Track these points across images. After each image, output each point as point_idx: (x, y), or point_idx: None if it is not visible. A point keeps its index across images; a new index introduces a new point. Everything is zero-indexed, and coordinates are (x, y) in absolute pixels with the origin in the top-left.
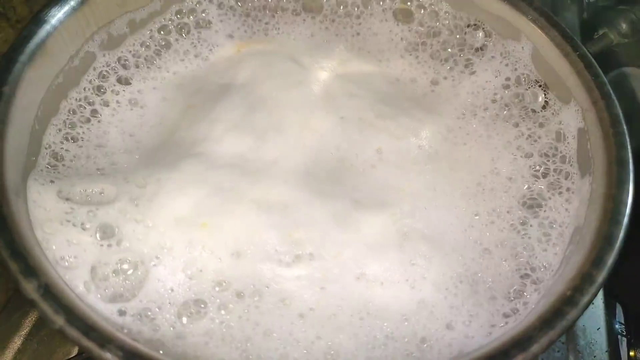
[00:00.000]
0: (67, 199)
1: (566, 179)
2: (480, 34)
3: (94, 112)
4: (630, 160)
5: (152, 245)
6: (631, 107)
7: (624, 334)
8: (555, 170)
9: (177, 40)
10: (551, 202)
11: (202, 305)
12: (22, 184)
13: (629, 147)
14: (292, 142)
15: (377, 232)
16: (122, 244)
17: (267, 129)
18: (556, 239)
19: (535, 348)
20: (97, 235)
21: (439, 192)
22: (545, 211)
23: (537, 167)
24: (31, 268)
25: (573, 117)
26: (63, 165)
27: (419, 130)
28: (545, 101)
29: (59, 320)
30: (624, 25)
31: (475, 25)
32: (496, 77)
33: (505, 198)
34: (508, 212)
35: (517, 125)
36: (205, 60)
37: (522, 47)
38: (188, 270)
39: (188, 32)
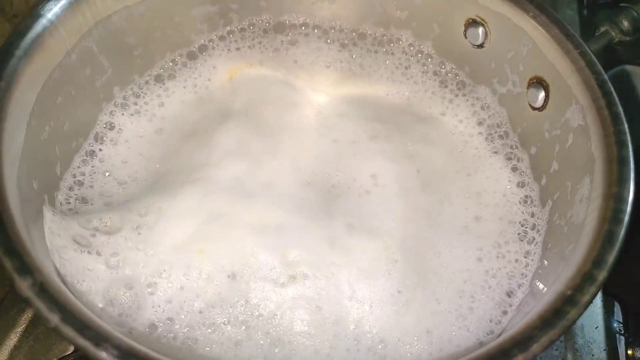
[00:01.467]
0: (79, 228)
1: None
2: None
3: (102, 146)
4: (632, 159)
5: (152, 272)
6: (632, 105)
7: (622, 332)
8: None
9: (174, 71)
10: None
11: (199, 327)
12: (18, 186)
13: (630, 145)
14: (286, 166)
15: (368, 257)
16: (125, 270)
17: (262, 154)
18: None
19: (535, 347)
20: (105, 261)
21: (432, 221)
22: (535, 245)
23: (531, 200)
24: (26, 265)
25: (574, 115)
26: (75, 195)
27: (414, 152)
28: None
29: (54, 319)
30: (625, 23)
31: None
32: (490, 104)
33: (497, 229)
34: (499, 244)
35: (510, 156)
36: (202, 88)
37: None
38: (185, 294)
39: (185, 64)
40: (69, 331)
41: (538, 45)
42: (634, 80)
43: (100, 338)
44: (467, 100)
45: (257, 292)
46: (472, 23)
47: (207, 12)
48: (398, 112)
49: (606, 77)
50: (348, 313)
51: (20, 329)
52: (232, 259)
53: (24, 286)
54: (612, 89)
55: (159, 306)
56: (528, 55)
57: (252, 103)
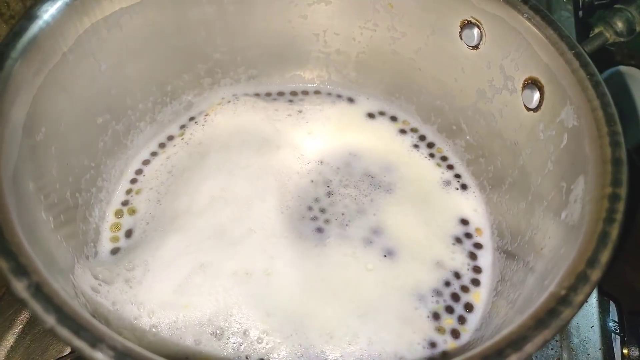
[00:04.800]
0: (94, 279)
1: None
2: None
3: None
4: (625, 159)
5: (142, 326)
6: (626, 106)
7: (618, 332)
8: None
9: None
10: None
11: None
12: (15, 190)
13: (624, 145)
14: (269, 210)
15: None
16: (120, 321)
17: (247, 198)
18: None
19: (529, 347)
20: (111, 307)
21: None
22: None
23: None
24: (22, 267)
25: (568, 115)
26: (84, 247)
27: (378, 203)
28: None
29: (50, 320)
30: (619, 24)
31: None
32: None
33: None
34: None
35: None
36: (179, 128)
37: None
38: (171, 347)
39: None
40: (65, 332)
41: (533, 46)
42: (628, 81)
43: (96, 339)
44: (437, 150)
45: (242, 350)
46: (468, 24)
47: (204, 12)
48: (373, 161)
49: (600, 78)
50: None
51: (17, 329)
52: (217, 312)
53: (19, 287)
54: (607, 90)
55: None
56: (523, 57)
57: (232, 145)
